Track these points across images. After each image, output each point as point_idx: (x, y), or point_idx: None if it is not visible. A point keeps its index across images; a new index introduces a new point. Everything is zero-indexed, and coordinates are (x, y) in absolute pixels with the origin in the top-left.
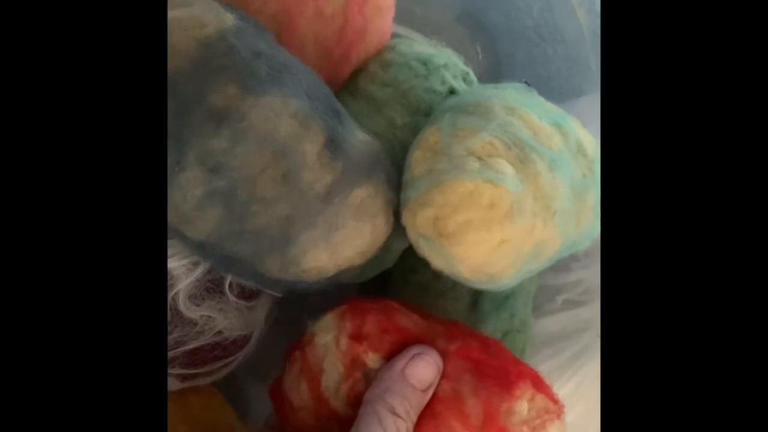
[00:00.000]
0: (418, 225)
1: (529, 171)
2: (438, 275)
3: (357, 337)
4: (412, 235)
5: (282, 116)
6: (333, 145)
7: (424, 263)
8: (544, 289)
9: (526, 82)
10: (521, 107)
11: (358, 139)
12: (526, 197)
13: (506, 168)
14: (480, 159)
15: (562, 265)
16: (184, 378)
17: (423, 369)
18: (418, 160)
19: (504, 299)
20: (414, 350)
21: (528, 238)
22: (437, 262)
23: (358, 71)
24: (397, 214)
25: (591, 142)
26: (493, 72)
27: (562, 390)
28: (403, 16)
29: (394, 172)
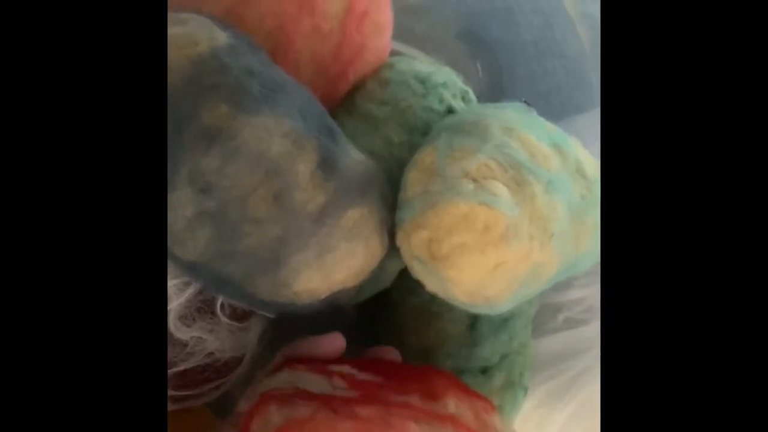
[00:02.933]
0: (413, 247)
1: (525, 193)
2: (435, 296)
3: None
4: (407, 257)
5: (274, 135)
6: (326, 165)
7: (421, 284)
8: (545, 307)
9: (525, 102)
10: (519, 128)
11: (353, 158)
12: (522, 220)
13: (501, 190)
14: (475, 181)
15: (563, 283)
16: (175, 400)
17: None
18: (413, 181)
19: (503, 321)
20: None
21: (524, 261)
22: (432, 284)
23: (355, 89)
24: (392, 235)
25: (591, 163)
26: (494, 88)
27: (563, 412)
28: (403, 33)
29: (390, 192)
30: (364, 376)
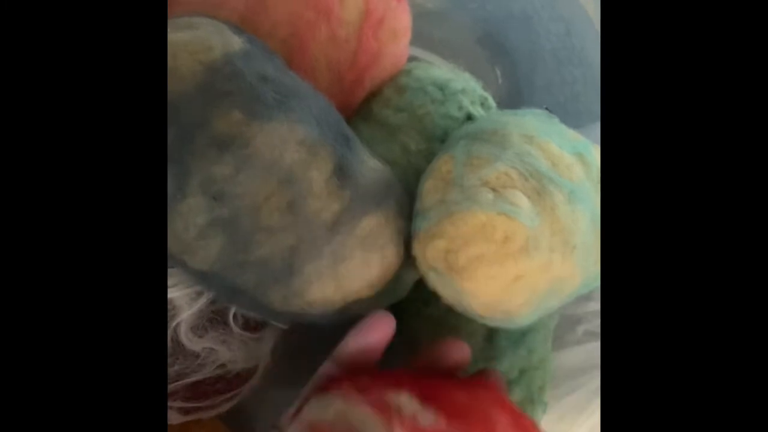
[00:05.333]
0: (428, 257)
1: (546, 204)
2: (452, 308)
3: None
4: (423, 268)
5: (288, 143)
6: (341, 173)
7: (437, 296)
8: (564, 319)
9: (546, 109)
10: (540, 136)
11: (369, 166)
12: (543, 231)
13: (522, 200)
14: (494, 190)
15: (582, 294)
16: (186, 411)
17: None
18: (429, 190)
19: (522, 335)
20: None
21: (545, 274)
22: (448, 297)
23: (372, 96)
24: (408, 244)
25: None
26: (513, 95)
27: (583, 426)
28: (421, 39)
29: (407, 200)
30: (425, 418)
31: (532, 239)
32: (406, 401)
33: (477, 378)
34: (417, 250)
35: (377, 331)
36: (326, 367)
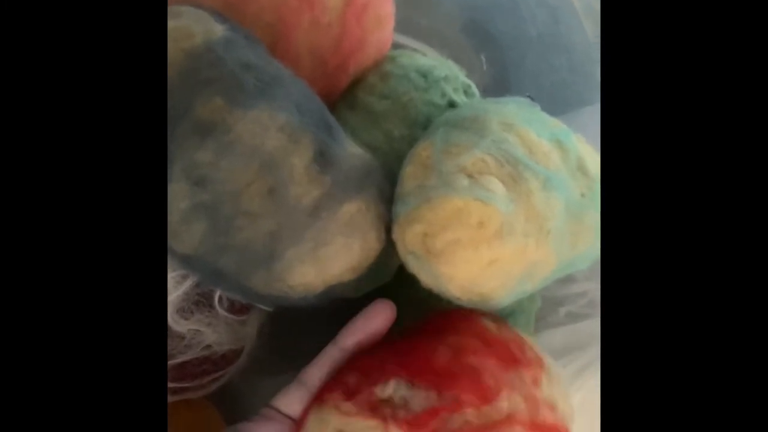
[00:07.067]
0: (407, 242)
1: (521, 190)
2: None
3: None
4: (402, 252)
5: (269, 129)
6: (322, 159)
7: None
8: (547, 301)
9: (529, 96)
10: (519, 123)
11: (350, 153)
12: (518, 217)
13: (497, 186)
14: (470, 176)
15: (564, 277)
16: (173, 392)
17: None
18: (409, 176)
19: (504, 318)
20: None
21: (519, 258)
22: (426, 280)
23: (356, 82)
24: (390, 229)
25: (594, 160)
26: (498, 82)
27: None
28: (407, 27)
29: (388, 187)
30: (416, 401)
31: (506, 224)
32: (394, 389)
33: (447, 316)
34: (397, 234)
35: (379, 318)
36: (330, 350)
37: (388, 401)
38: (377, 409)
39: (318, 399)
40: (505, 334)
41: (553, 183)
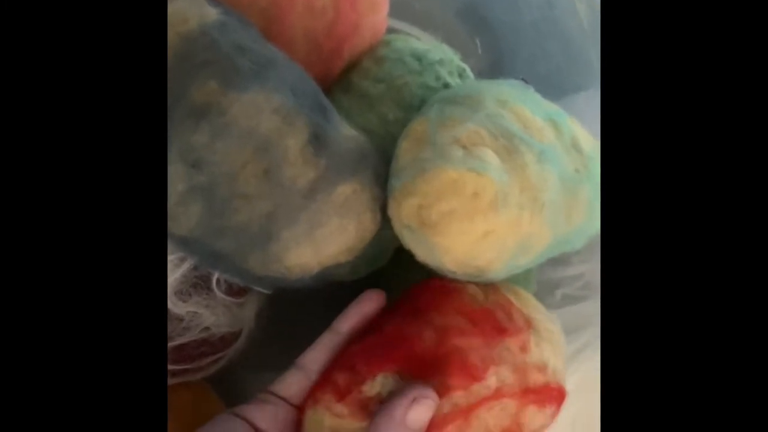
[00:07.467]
0: (403, 215)
1: (516, 162)
2: (431, 273)
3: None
4: (397, 226)
5: (264, 112)
6: (317, 141)
7: (416, 261)
8: (542, 283)
9: (523, 80)
10: (514, 101)
11: (345, 135)
12: (512, 188)
13: (491, 157)
14: (465, 148)
15: (560, 259)
16: (173, 374)
17: (422, 414)
18: (404, 150)
19: None
20: (413, 392)
21: (514, 230)
22: (422, 254)
23: (351, 66)
24: (386, 211)
25: (588, 139)
26: (493, 67)
27: None
28: (401, 11)
29: (384, 169)
30: None
31: (501, 195)
32: (382, 385)
33: (431, 291)
34: (392, 208)
35: (370, 302)
36: (326, 336)
37: (377, 398)
38: (367, 407)
39: (312, 397)
40: (492, 299)
41: (547, 156)
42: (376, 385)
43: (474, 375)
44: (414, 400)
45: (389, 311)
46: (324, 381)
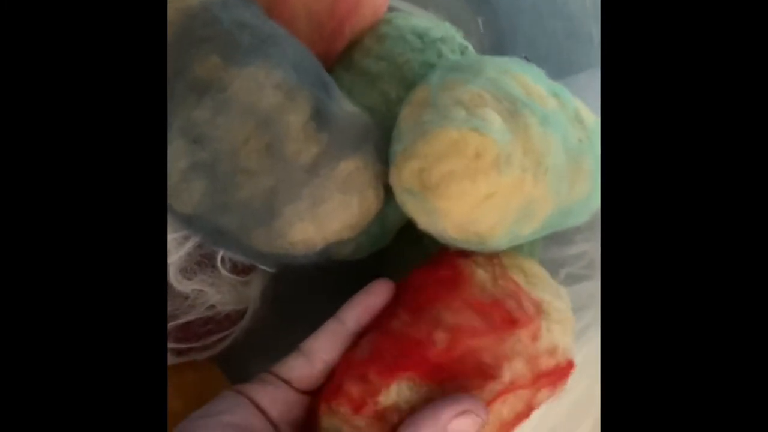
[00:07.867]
0: (404, 179)
1: (518, 123)
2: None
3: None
4: (398, 193)
5: (265, 87)
6: (319, 117)
7: (420, 241)
8: (546, 262)
9: (525, 57)
10: (516, 70)
11: (347, 111)
12: (515, 149)
13: (494, 117)
14: (467, 108)
15: (563, 237)
16: (179, 353)
17: (467, 428)
18: (406, 116)
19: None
20: (467, 403)
21: (517, 193)
22: (423, 221)
23: (352, 45)
24: (389, 188)
25: (589, 115)
26: (495, 46)
27: None
28: None
29: (386, 146)
30: (421, 398)
31: (503, 155)
32: (397, 393)
33: (437, 281)
34: (394, 174)
35: (378, 294)
36: (330, 323)
37: (394, 407)
38: (384, 417)
39: (325, 403)
40: (501, 285)
41: (550, 121)
42: (391, 394)
43: (489, 374)
44: (464, 412)
45: (394, 302)
46: (337, 389)
